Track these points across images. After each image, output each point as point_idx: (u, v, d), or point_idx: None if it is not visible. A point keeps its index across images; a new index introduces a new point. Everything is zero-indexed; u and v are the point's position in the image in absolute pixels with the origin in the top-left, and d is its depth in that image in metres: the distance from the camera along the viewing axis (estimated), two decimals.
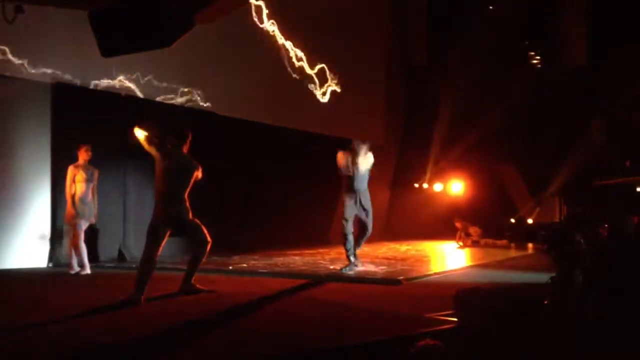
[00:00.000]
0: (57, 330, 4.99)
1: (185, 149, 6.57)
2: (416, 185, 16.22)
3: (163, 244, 6.29)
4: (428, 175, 16.23)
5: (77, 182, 8.21)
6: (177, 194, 6.39)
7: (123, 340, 4.66)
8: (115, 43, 4.29)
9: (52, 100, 9.22)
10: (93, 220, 8.39)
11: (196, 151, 6.72)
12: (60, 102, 9.24)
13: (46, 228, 9.08)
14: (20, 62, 8.64)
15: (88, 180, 8.25)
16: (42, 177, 8.68)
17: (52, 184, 9.00)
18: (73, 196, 8.17)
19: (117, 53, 4.58)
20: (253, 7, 10.62)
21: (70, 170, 8.21)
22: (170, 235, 6.38)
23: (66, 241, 8.63)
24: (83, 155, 8.29)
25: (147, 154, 6.52)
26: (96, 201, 8.36)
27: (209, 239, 6.58)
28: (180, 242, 6.92)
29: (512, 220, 15.09)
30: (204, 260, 6.66)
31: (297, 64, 12.49)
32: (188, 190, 6.47)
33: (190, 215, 6.48)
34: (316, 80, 11.94)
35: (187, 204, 6.45)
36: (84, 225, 8.23)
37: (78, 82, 9.28)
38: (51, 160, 9.10)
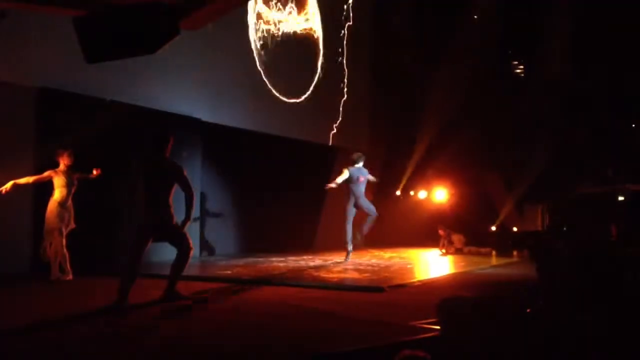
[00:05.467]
0: (39, 337, 4.95)
1: (166, 153, 6.55)
2: (398, 193, 16.26)
3: (146, 249, 6.26)
4: (410, 183, 16.28)
5: (57, 187, 8.15)
6: (161, 199, 6.36)
7: (105, 347, 4.64)
8: (99, 49, 4.27)
9: (35, 105, 9.15)
10: (73, 225, 8.33)
11: (178, 157, 6.72)
12: (43, 107, 9.18)
13: (27, 233, 8.98)
14: (2, 65, 8.59)
15: (68, 186, 8.19)
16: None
17: (34, 189, 8.92)
18: (54, 202, 8.12)
19: (102, 59, 4.57)
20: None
21: (48, 173, 8.16)
22: (153, 241, 6.35)
23: (47, 247, 8.49)
24: (64, 160, 8.23)
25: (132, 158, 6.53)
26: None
27: (191, 245, 6.57)
28: (165, 248, 6.91)
29: (495, 229, 15.17)
30: (186, 267, 6.64)
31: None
32: (171, 194, 6.45)
33: (174, 222, 6.45)
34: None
35: (171, 210, 6.43)
36: (64, 230, 8.18)
37: (62, 87, 9.23)
38: (34, 165, 9.00)
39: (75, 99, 9.35)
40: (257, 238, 13.23)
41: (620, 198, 13.49)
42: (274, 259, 11.25)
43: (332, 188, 10.80)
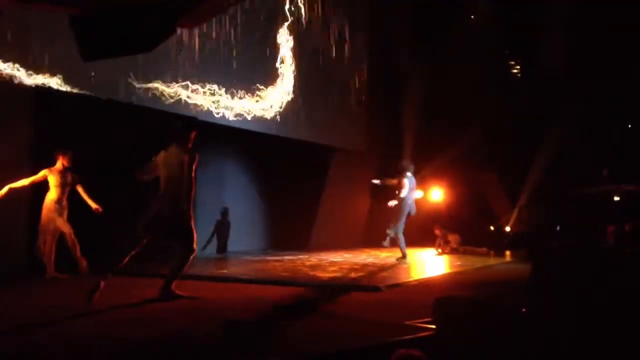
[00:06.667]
0: (41, 336, 4.95)
1: (189, 143, 6.53)
2: (397, 192, 16.25)
3: (146, 241, 6.25)
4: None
5: (53, 187, 8.18)
6: (174, 193, 6.32)
7: (100, 347, 4.63)
8: (95, 48, 4.26)
9: (33, 105, 9.12)
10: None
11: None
12: (40, 106, 9.15)
13: (24, 232, 8.94)
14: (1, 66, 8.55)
15: (63, 185, 8.20)
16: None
17: (29, 189, 8.87)
18: (51, 201, 8.14)
19: (98, 58, 4.56)
20: None
21: (44, 173, 8.15)
22: (158, 237, 6.33)
23: (42, 244, 8.44)
24: (63, 161, 8.25)
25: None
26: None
27: (195, 247, 6.52)
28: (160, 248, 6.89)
29: (492, 228, 15.19)
30: (185, 267, 6.62)
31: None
32: (186, 189, 6.35)
33: (187, 220, 6.40)
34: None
35: (185, 206, 6.36)
36: (66, 223, 8.20)
37: (58, 86, 9.19)
38: (30, 165, 8.96)
39: (72, 98, 9.30)
40: (253, 238, 13.23)
41: (616, 198, 13.53)
42: (270, 257, 11.26)
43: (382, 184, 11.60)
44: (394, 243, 11.22)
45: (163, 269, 6.97)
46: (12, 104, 8.92)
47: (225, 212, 12.62)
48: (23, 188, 8.06)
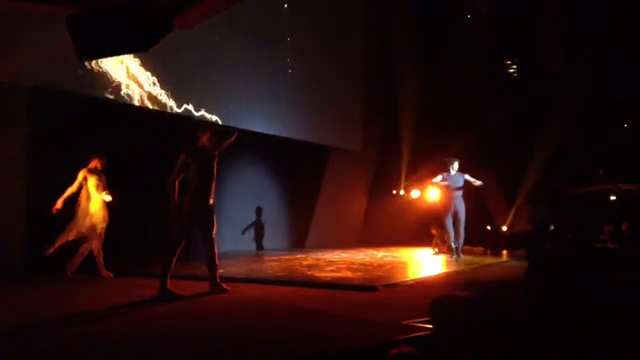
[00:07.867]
0: (40, 336, 4.95)
1: (204, 143, 7.14)
2: (394, 191, 16.27)
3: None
4: (404, 182, 16.28)
5: (92, 187, 8.30)
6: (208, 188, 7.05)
7: (101, 347, 4.63)
8: (92, 47, 4.25)
9: (26, 104, 9.10)
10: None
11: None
12: (35, 106, 9.12)
13: (23, 233, 8.91)
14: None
15: (100, 187, 8.33)
16: (15, 182, 8.57)
17: (26, 188, 8.86)
18: (96, 202, 8.26)
19: (94, 57, 4.56)
20: None
21: (83, 174, 8.26)
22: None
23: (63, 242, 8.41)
24: (97, 164, 8.36)
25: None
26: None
27: (177, 243, 6.67)
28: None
29: (489, 228, 15.19)
30: (172, 266, 6.70)
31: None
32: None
33: (171, 217, 6.57)
34: None
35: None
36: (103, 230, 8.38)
37: (54, 85, 9.17)
38: (25, 165, 8.96)
39: (66, 97, 9.28)
40: (250, 237, 13.23)
41: (613, 198, 13.55)
42: (266, 257, 11.25)
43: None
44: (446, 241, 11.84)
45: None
46: (10, 103, 8.91)
47: (258, 212, 13.23)
48: (72, 193, 8.20)
